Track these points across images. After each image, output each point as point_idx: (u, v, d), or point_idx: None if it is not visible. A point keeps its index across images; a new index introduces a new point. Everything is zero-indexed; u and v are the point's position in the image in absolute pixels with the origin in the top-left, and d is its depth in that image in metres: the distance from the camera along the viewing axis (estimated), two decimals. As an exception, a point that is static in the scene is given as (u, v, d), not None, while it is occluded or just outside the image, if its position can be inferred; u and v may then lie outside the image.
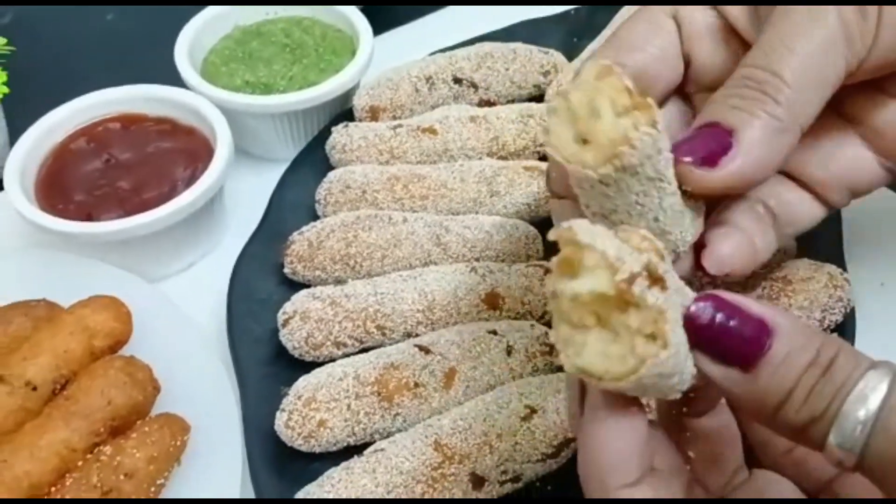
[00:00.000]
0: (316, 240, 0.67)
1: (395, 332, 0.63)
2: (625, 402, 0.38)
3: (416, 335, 0.63)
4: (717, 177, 0.41)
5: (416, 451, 0.55)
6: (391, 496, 0.53)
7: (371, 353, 0.61)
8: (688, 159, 0.41)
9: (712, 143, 0.41)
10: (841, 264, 0.65)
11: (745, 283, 0.63)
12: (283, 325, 0.63)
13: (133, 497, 0.56)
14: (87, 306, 0.64)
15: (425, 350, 0.60)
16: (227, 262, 0.71)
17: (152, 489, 0.57)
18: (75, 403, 0.59)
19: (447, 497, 0.54)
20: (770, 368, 0.35)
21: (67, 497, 0.55)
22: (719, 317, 0.36)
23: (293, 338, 0.62)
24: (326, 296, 0.63)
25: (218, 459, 0.60)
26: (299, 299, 0.64)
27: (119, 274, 0.69)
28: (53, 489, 0.56)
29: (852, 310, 0.63)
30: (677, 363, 0.35)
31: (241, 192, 0.81)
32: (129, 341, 0.66)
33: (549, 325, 0.64)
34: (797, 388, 0.34)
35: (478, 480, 0.55)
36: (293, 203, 0.74)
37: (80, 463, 0.57)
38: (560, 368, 0.62)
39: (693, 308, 0.36)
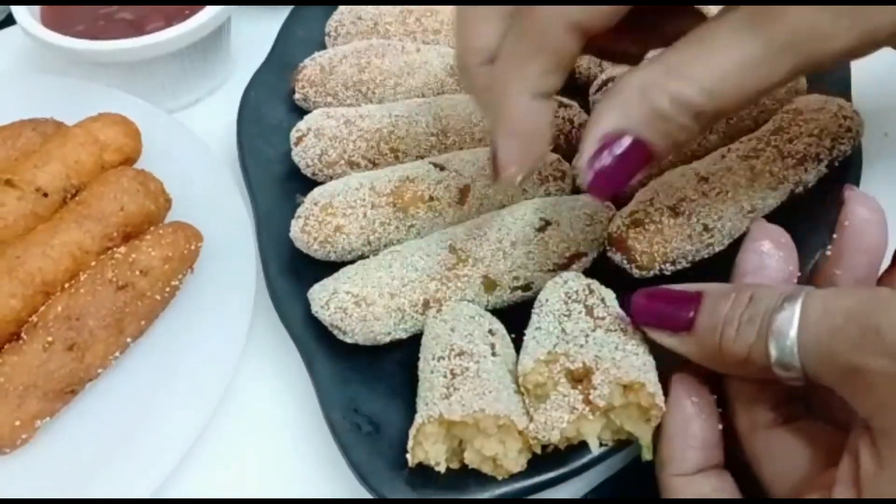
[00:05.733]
0: (328, 65, 0.67)
1: (409, 154, 0.63)
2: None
3: (429, 160, 0.63)
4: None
5: (431, 252, 0.55)
6: (406, 289, 0.53)
7: (386, 168, 0.61)
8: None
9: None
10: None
11: (758, 116, 0.64)
12: (297, 143, 0.63)
13: (148, 293, 0.56)
14: (97, 121, 0.64)
15: (440, 167, 0.60)
16: (235, 98, 0.70)
17: (167, 289, 0.57)
18: (87, 208, 0.58)
19: (460, 296, 0.55)
20: (702, 319, 0.42)
21: (82, 291, 0.55)
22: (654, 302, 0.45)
23: (306, 155, 0.62)
24: (341, 115, 0.63)
25: (232, 267, 0.60)
26: (313, 117, 0.63)
27: (127, 97, 0.69)
28: (67, 285, 0.56)
29: (860, 145, 0.64)
30: None
31: (249, 34, 0.79)
32: (138, 160, 0.65)
33: (563, 155, 0.64)
34: (727, 323, 0.41)
35: (490, 284, 0.55)
36: (303, 38, 0.73)
37: (93, 263, 0.57)
38: (574, 191, 0.62)
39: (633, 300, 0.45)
